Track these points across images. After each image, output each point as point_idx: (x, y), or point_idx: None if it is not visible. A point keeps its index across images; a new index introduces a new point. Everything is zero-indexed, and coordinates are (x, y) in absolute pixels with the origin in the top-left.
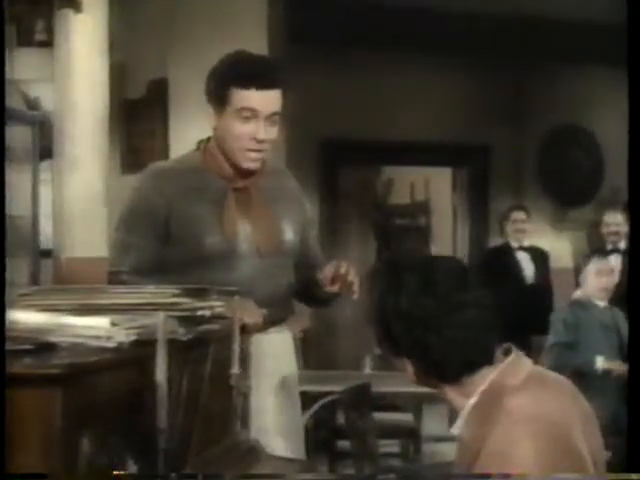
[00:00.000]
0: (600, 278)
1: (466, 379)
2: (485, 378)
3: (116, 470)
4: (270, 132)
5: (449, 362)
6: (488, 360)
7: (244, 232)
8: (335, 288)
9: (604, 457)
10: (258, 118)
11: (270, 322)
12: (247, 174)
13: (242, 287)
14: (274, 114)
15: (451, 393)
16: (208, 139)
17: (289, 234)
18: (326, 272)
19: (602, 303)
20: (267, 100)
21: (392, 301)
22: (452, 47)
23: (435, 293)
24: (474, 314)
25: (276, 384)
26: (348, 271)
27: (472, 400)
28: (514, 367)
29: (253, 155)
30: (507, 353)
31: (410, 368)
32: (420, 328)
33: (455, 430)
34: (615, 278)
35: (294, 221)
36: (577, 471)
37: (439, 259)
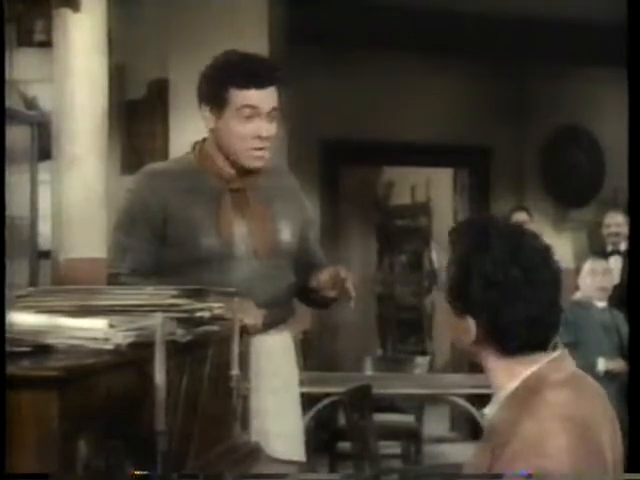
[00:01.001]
0: (594, 278)
1: (520, 358)
2: (532, 365)
3: (113, 472)
4: (271, 129)
5: (515, 332)
6: (547, 342)
7: (240, 233)
8: (332, 294)
9: (622, 465)
10: (260, 116)
11: (270, 323)
12: (248, 173)
13: (240, 289)
14: (273, 110)
15: (499, 368)
16: (203, 140)
17: (286, 235)
18: (321, 278)
19: (601, 304)
20: (266, 97)
21: (478, 260)
22: (452, 47)
23: (520, 264)
24: (549, 293)
25: (277, 385)
26: (347, 277)
27: (512, 385)
28: (559, 363)
29: (258, 153)
30: (554, 348)
31: (473, 329)
32: (499, 293)
33: (489, 410)
34: (613, 278)
35: (292, 221)
36: (600, 474)
37: (528, 232)
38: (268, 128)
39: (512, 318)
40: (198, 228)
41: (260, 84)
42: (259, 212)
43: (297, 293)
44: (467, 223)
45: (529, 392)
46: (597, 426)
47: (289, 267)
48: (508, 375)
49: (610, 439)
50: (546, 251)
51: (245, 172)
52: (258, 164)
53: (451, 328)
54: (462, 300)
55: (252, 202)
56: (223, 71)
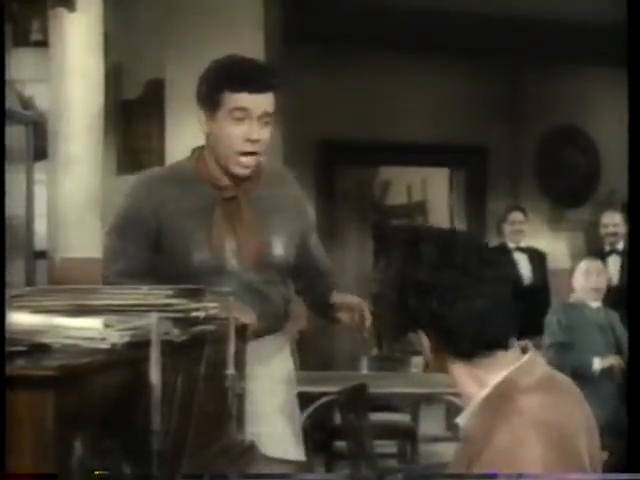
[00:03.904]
0: (588, 278)
1: (480, 360)
2: (499, 370)
3: (108, 472)
4: (263, 133)
5: (464, 334)
6: (503, 340)
7: (231, 247)
8: (345, 319)
9: (600, 463)
10: (251, 118)
11: (265, 331)
12: (239, 180)
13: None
14: (266, 114)
15: (464, 377)
16: (203, 147)
17: (279, 248)
18: (338, 302)
19: (595, 304)
20: (259, 101)
21: (410, 271)
22: (450, 47)
23: (453, 265)
24: (491, 289)
25: (274, 389)
26: (363, 310)
27: (483, 392)
28: (530, 366)
29: (245, 160)
30: (525, 351)
31: (426, 342)
32: (437, 298)
33: (461, 420)
34: (606, 279)
35: (288, 233)
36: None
37: (460, 233)
38: (259, 132)
39: (457, 319)
40: (190, 241)
41: (254, 89)
42: (250, 224)
43: (298, 293)
44: (395, 234)
45: (501, 399)
46: (573, 428)
47: (283, 281)
48: (476, 383)
49: (587, 439)
50: (483, 249)
51: (239, 180)
52: (242, 172)
53: (415, 345)
54: (406, 315)
55: (244, 213)
56: (220, 74)
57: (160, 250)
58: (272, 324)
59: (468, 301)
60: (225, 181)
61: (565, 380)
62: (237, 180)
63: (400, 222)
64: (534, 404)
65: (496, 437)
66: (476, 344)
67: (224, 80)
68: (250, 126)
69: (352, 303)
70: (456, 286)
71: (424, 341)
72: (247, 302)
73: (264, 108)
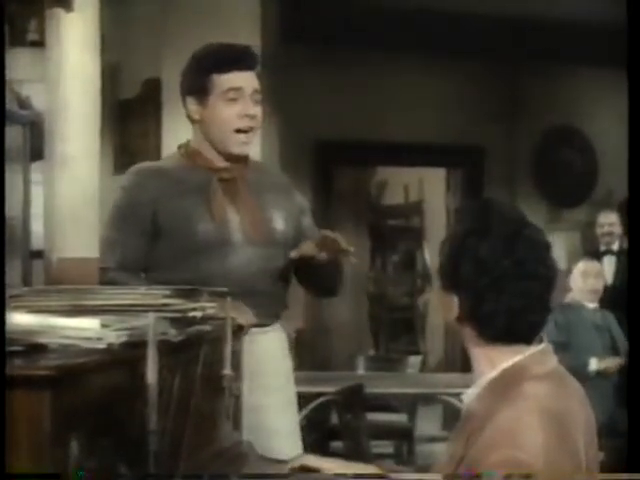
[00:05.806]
0: (586, 280)
1: (500, 347)
2: (513, 355)
3: (104, 472)
4: (257, 110)
5: (496, 323)
6: (528, 337)
7: (234, 220)
8: (325, 256)
9: (597, 464)
10: (244, 97)
11: (265, 318)
12: (237, 162)
13: (238, 275)
14: (256, 92)
15: (479, 354)
16: (187, 142)
17: (279, 224)
18: (303, 247)
19: (592, 305)
20: (249, 79)
21: (473, 243)
22: (446, 48)
23: (514, 256)
24: (538, 290)
25: (274, 384)
26: (336, 236)
27: (492, 373)
28: (542, 357)
29: (243, 137)
30: (539, 342)
31: (456, 307)
32: (487, 280)
33: (466, 397)
34: (604, 280)
35: (285, 211)
36: (574, 474)
37: (531, 226)
38: (254, 108)
39: (494, 307)
40: (192, 215)
41: (243, 67)
42: (250, 201)
43: (299, 280)
44: (474, 203)
45: (509, 382)
46: (574, 424)
47: (284, 257)
48: (489, 363)
49: (585, 439)
50: (545, 248)
51: (234, 160)
52: (245, 150)
53: (438, 300)
54: (450, 277)
55: (242, 192)
56: (204, 60)
57: (159, 235)
58: (273, 306)
59: (512, 296)
60: (221, 163)
61: (572, 379)
62: (234, 160)
63: (397, 222)
64: (541, 392)
65: (500, 416)
66: (502, 335)
67: (211, 65)
68: (244, 104)
69: (319, 239)
70: (508, 278)
71: (454, 304)
72: (254, 275)
73: (253, 86)
